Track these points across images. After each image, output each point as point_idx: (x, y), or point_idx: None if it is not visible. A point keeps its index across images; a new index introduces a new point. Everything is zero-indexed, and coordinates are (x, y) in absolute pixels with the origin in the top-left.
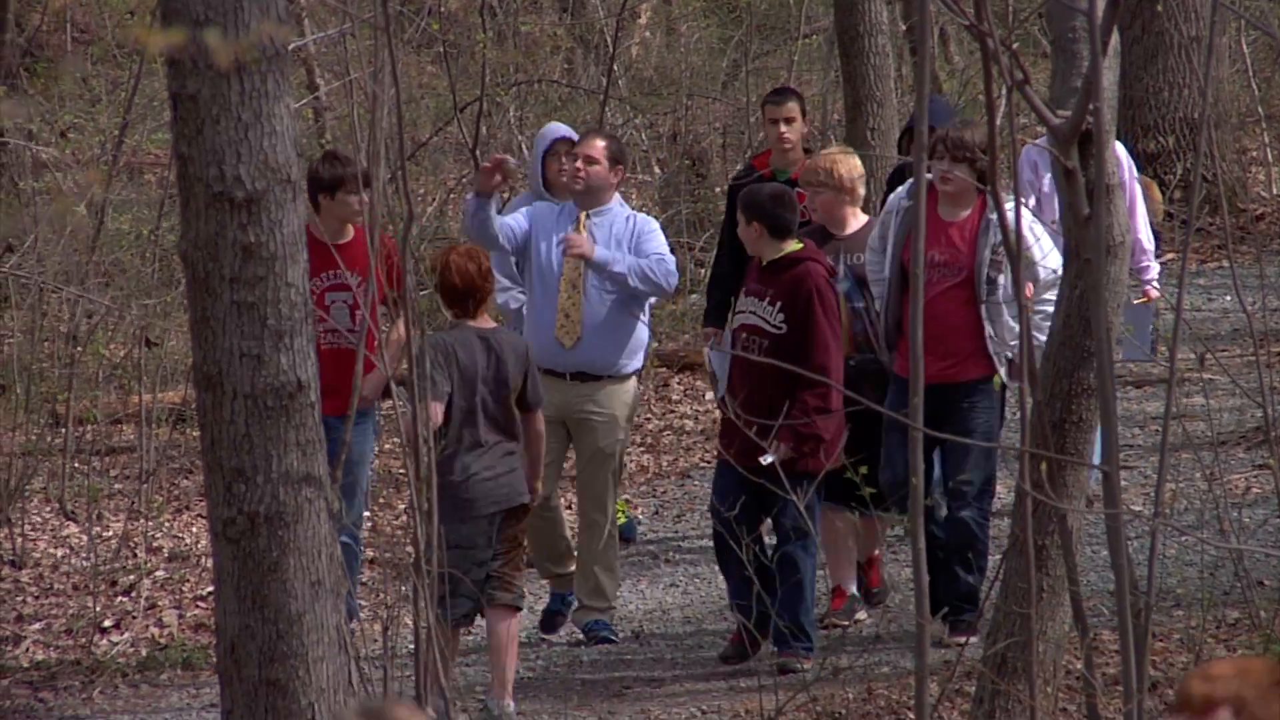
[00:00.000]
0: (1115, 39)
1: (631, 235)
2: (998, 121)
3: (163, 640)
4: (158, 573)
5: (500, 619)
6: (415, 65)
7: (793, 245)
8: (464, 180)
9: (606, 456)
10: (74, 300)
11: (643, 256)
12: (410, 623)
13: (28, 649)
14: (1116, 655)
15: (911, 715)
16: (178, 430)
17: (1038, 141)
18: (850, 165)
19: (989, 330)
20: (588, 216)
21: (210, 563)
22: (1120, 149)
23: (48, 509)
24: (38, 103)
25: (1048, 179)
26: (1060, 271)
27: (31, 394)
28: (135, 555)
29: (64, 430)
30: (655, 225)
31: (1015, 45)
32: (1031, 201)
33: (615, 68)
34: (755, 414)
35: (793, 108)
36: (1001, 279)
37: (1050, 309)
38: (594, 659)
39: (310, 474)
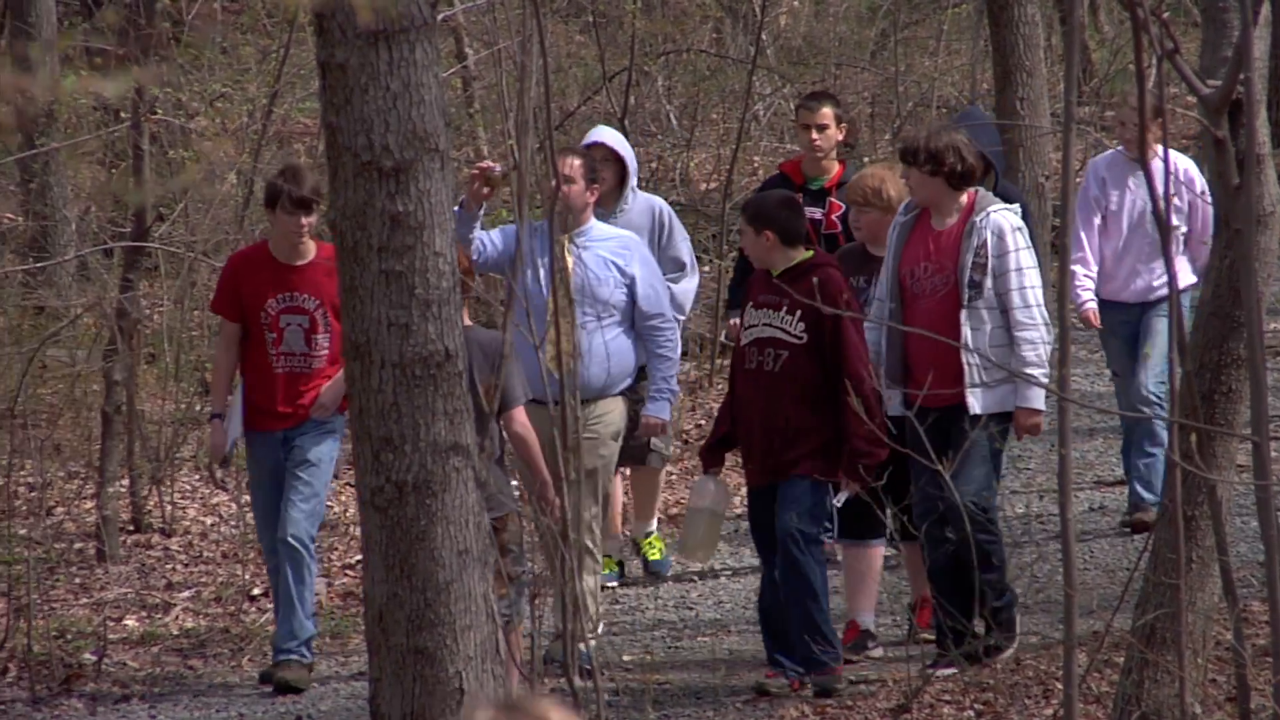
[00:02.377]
0: (1266, 8)
1: (623, 258)
2: (1148, 91)
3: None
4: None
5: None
6: (563, 34)
7: (804, 253)
8: None
9: (591, 474)
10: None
11: (643, 320)
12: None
13: (177, 616)
14: (1267, 626)
15: (1060, 686)
16: None
17: (1108, 152)
18: (898, 183)
19: (965, 336)
20: (571, 241)
21: (358, 531)
22: (1191, 165)
23: (196, 477)
24: (184, 71)
25: (1114, 196)
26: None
27: (181, 363)
28: None
29: None
30: (646, 251)
31: (1165, 14)
32: (1097, 219)
33: (763, 36)
34: (773, 432)
35: (827, 113)
36: (987, 283)
37: (1031, 344)
38: (741, 629)
39: (458, 443)
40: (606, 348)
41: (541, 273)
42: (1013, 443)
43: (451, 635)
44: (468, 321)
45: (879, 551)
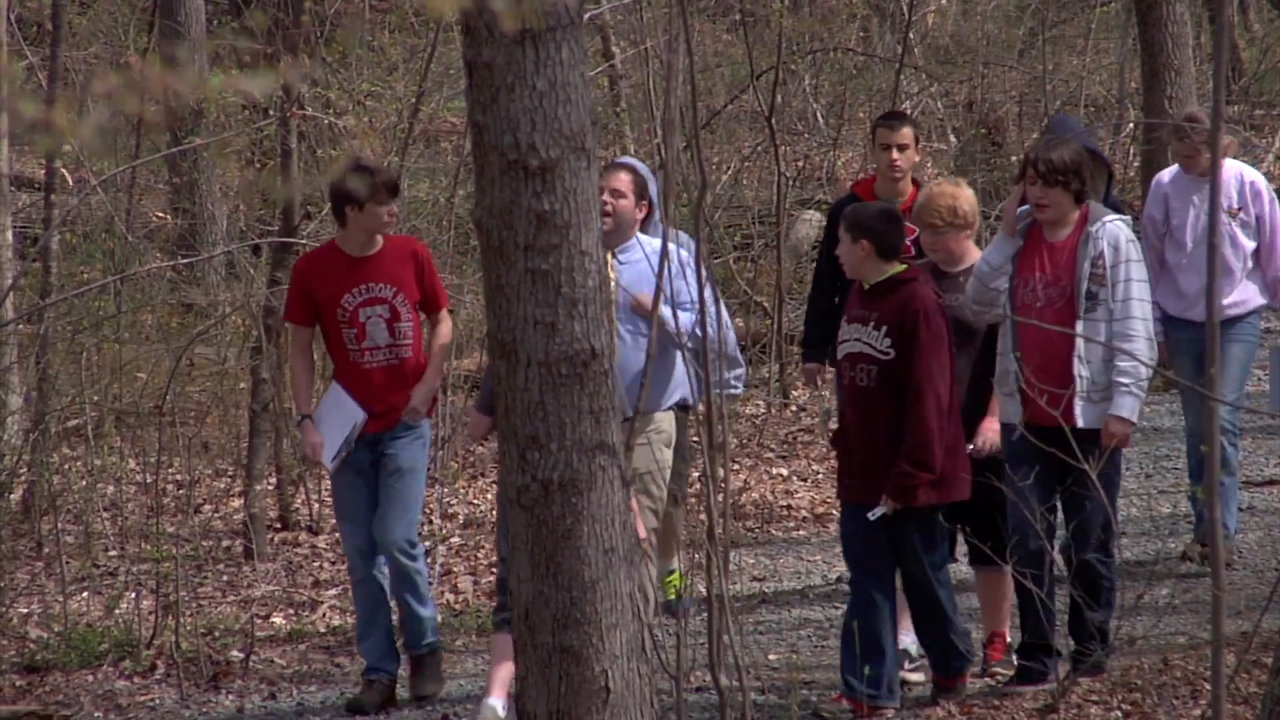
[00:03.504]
0: None
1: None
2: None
3: (458, 606)
4: (453, 539)
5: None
6: (710, 33)
7: (897, 267)
8: (758, 149)
9: (643, 476)
10: None
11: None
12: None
13: (324, 614)
14: None
15: (1208, 686)
16: (472, 397)
17: (1171, 169)
18: (970, 199)
19: (1079, 348)
20: (614, 256)
21: None
22: (1259, 178)
23: None
24: (332, 69)
25: (1178, 211)
26: (1129, 298)
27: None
28: (430, 521)
29: None
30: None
31: None
32: (1159, 244)
33: (911, 35)
34: (868, 447)
35: (907, 133)
36: (1102, 294)
37: (1129, 355)
38: None
39: (604, 442)
40: (652, 365)
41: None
42: (1159, 443)
43: (598, 634)
44: None
45: (1002, 576)
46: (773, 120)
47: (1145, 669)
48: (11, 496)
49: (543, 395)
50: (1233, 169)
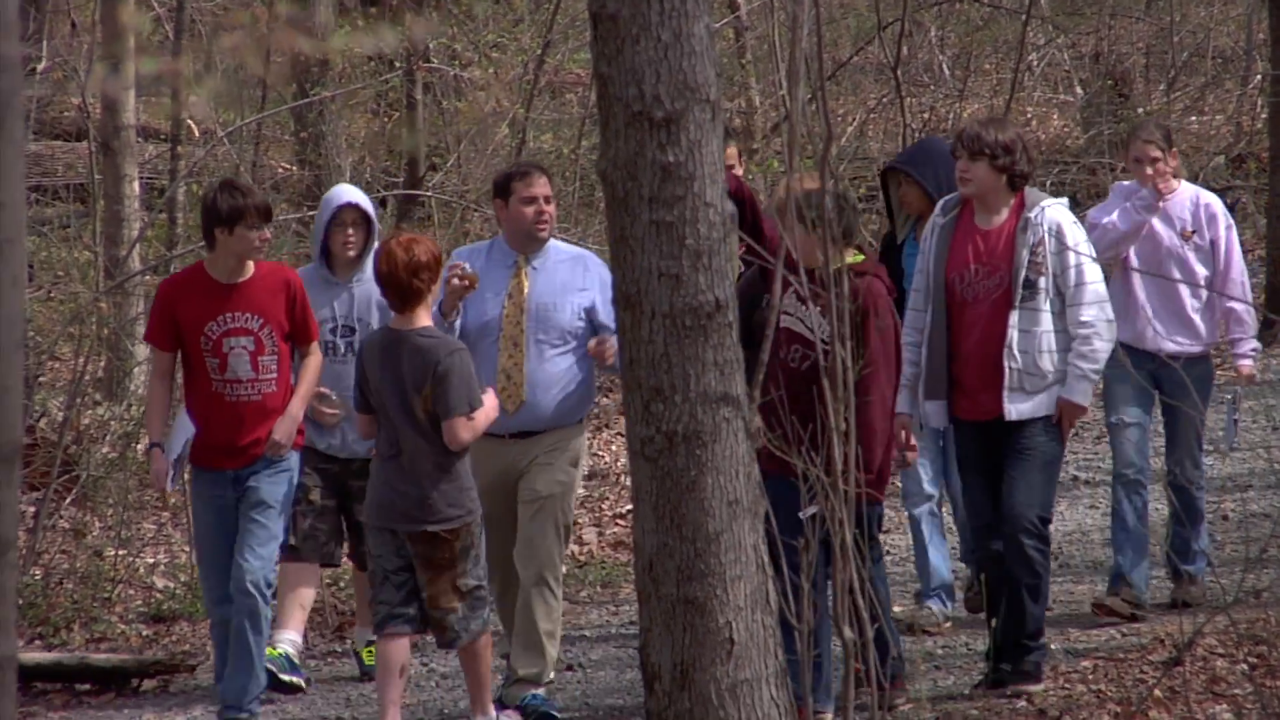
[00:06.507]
0: None
1: (583, 277)
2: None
3: (582, 557)
4: (578, 490)
5: (464, 652)
6: None
7: (853, 256)
8: (884, 101)
9: (548, 500)
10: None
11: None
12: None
13: None
14: None
15: None
16: None
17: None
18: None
19: (1012, 336)
20: (527, 262)
21: (629, 481)
22: (1215, 200)
23: None
24: (459, 21)
25: (1113, 217)
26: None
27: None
28: None
29: None
30: (605, 269)
31: None
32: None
33: None
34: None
35: (731, 152)
36: (1042, 282)
37: (1089, 342)
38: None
39: (728, 393)
40: (560, 376)
41: (487, 301)
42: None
43: (721, 585)
44: (420, 323)
45: None
46: (898, 72)
47: (1271, 621)
48: (139, 446)
49: (667, 347)
50: (1187, 191)
